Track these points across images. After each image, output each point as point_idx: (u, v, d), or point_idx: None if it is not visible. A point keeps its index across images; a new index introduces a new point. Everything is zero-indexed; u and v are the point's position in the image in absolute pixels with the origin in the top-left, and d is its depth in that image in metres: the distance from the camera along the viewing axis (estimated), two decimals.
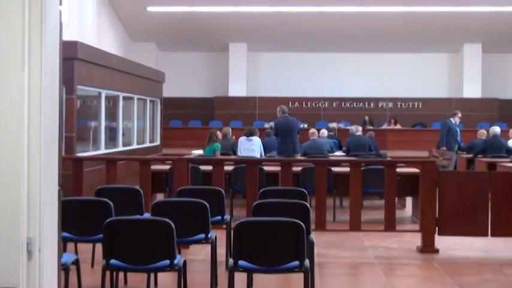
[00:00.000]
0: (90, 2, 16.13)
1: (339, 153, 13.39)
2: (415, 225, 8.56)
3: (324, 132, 14.21)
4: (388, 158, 11.41)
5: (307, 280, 4.51)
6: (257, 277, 5.43)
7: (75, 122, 10.03)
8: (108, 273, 4.78)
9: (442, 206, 7.41)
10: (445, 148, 13.60)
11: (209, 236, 5.62)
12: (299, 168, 9.41)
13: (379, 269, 6.71)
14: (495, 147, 12.68)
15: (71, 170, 8.02)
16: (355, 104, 21.45)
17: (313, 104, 21.40)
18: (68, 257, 4.76)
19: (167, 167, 9.41)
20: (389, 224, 7.71)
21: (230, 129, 12.68)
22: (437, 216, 7.44)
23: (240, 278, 4.81)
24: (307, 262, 4.53)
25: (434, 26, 19.59)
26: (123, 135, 13.01)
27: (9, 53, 2.67)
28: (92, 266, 6.47)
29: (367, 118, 20.32)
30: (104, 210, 5.48)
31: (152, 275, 5.65)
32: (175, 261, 4.59)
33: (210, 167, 8.44)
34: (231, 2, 18.18)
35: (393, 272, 6.77)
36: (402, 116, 20.79)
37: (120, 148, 12.62)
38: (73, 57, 9.81)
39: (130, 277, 5.85)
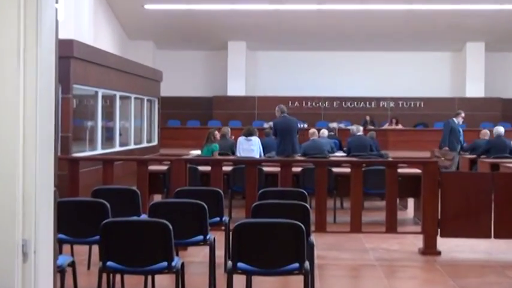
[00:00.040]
0: None
1: (339, 153, 13.40)
2: (417, 226, 8.56)
3: (324, 132, 14.21)
4: (390, 159, 11.41)
5: (307, 282, 4.52)
6: (256, 279, 5.43)
7: (71, 122, 10.03)
8: (104, 275, 4.78)
9: (444, 207, 7.42)
10: (447, 148, 13.61)
11: (207, 237, 5.62)
12: (299, 169, 9.41)
13: (380, 271, 6.71)
14: (499, 147, 12.68)
15: (67, 170, 8.02)
16: (355, 103, 21.45)
17: (313, 104, 21.40)
18: (64, 259, 4.76)
19: (165, 167, 9.42)
20: (391, 226, 7.71)
21: (229, 129, 12.68)
22: (439, 217, 7.44)
23: (239, 280, 4.81)
24: (307, 264, 4.53)
25: (436, 24, 19.60)
26: (120, 135, 13.01)
27: (4, 52, 2.67)
28: (88, 268, 6.47)
29: (368, 118, 20.32)
30: (101, 211, 5.48)
31: (149, 278, 5.65)
32: (173, 264, 4.59)
33: (208, 168, 8.44)
34: (230, 0, 18.18)
35: (394, 275, 6.77)
36: (404, 116, 20.80)
37: (117, 148, 12.62)
38: (69, 56, 9.81)
39: (127, 279, 5.84)
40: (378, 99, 21.45)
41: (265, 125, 17.05)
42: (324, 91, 21.43)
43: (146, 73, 14.88)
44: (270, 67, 22.17)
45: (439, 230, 7.44)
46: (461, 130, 13.91)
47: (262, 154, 11.47)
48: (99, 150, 11.49)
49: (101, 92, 11.55)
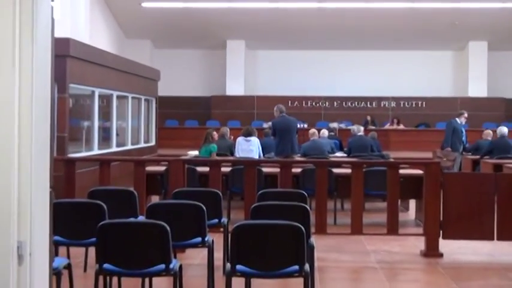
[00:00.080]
0: None
1: (340, 154, 13.40)
2: (419, 228, 8.56)
3: (325, 132, 14.22)
4: (391, 159, 11.41)
5: (307, 285, 4.52)
6: (255, 282, 5.42)
7: (67, 122, 10.02)
8: (101, 278, 4.78)
9: (447, 208, 7.42)
10: (449, 149, 13.61)
11: (206, 239, 5.61)
12: (299, 170, 9.41)
13: (382, 274, 6.71)
14: (502, 148, 12.68)
15: (63, 171, 8.01)
16: (356, 103, 21.46)
17: (314, 104, 21.40)
18: (60, 262, 4.75)
19: (162, 168, 9.41)
20: (392, 228, 7.71)
21: (228, 130, 12.67)
22: (441, 219, 7.44)
23: (238, 283, 4.81)
24: (307, 266, 4.53)
25: (439, 23, 19.61)
26: (117, 135, 13.00)
27: None
28: (85, 270, 6.46)
29: (369, 118, 20.32)
30: (97, 212, 5.48)
31: (147, 280, 5.64)
32: (171, 266, 4.59)
33: (206, 168, 8.44)
34: None
35: (396, 277, 6.77)
36: (405, 116, 20.80)
37: (114, 149, 12.61)
38: (65, 55, 9.81)
39: (124, 282, 5.83)
40: (379, 99, 21.45)
41: (265, 125, 17.05)
42: (324, 91, 21.43)
43: (144, 72, 14.88)
44: (270, 66, 22.17)
45: (441, 231, 7.44)
46: (463, 130, 13.91)
47: (262, 155, 11.47)
48: (95, 151, 11.49)
49: (97, 92, 11.54)
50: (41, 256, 2.83)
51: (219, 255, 6.26)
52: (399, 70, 21.73)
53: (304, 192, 6.32)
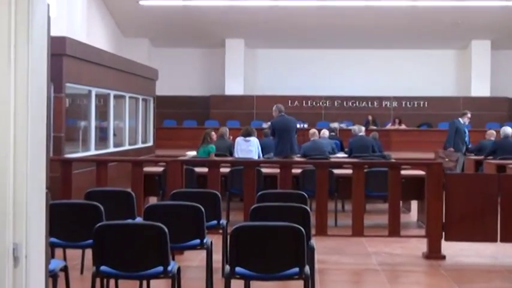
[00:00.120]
0: None
1: (340, 154, 13.41)
2: (421, 230, 8.56)
3: (325, 132, 14.22)
4: (393, 160, 11.42)
5: None
6: (255, 284, 5.43)
7: (64, 122, 10.03)
8: (98, 280, 4.78)
9: (449, 210, 7.42)
10: (452, 149, 13.61)
11: (204, 241, 5.61)
12: (299, 170, 9.41)
13: (383, 276, 6.71)
14: (505, 148, 12.67)
15: (60, 172, 8.01)
16: (357, 103, 21.46)
17: (314, 103, 21.41)
18: (56, 264, 4.75)
19: (160, 168, 9.41)
20: (394, 229, 7.71)
21: (227, 130, 12.67)
22: (444, 220, 7.44)
23: (237, 285, 4.81)
24: (307, 269, 4.53)
25: (441, 21, 19.61)
26: (114, 135, 13.01)
27: None
28: (82, 272, 6.47)
29: (370, 118, 20.33)
30: (94, 214, 5.48)
31: (145, 283, 5.65)
32: (169, 268, 4.59)
33: (205, 169, 8.44)
34: None
35: (398, 280, 6.77)
36: (407, 116, 20.81)
37: (111, 149, 12.62)
38: (62, 54, 9.82)
39: (121, 284, 5.83)
40: (380, 99, 21.46)
41: (264, 125, 17.06)
42: (325, 90, 21.43)
43: (141, 71, 14.88)
44: (269, 65, 22.17)
45: (443, 233, 7.44)
46: (466, 130, 13.92)
47: (261, 155, 11.47)
48: (92, 151, 11.49)
49: (94, 91, 11.55)
50: (37, 258, 2.82)
51: (217, 257, 6.26)
52: (401, 69, 21.74)
53: (304, 193, 6.32)
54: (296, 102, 21.12)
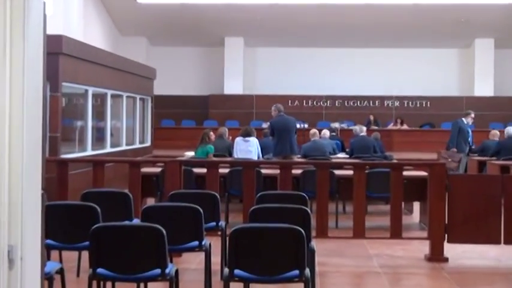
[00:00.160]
0: None
1: (341, 155, 13.41)
2: (423, 232, 8.56)
3: (326, 132, 14.23)
4: (394, 161, 11.43)
5: None
6: (254, 287, 5.43)
7: (60, 122, 10.03)
8: (94, 282, 4.78)
9: (452, 211, 7.42)
10: (455, 149, 13.62)
11: (203, 243, 5.62)
12: (299, 171, 9.42)
13: (385, 279, 6.71)
14: (509, 148, 12.67)
15: (56, 172, 8.01)
16: (359, 102, 21.47)
17: (314, 103, 21.42)
18: (52, 266, 4.75)
19: (158, 169, 9.42)
20: (396, 231, 7.71)
21: (227, 130, 12.68)
22: (446, 222, 7.44)
23: None
24: (307, 271, 4.53)
25: (444, 20, 19.62)
26: (112, 135, 13.01)
27: None
28: (78, 275, 6.46)
29: (371, 118, 20.35)
30: (91, 215, 5.48)
31: (142, 285, 5.65)
32: (167, 270, 4.59)
33: (204, 170, 8.44)
34: None
35: (399, 282, 6.78)
36: (409, 116, 20.83)
37: (108, 149, 12.62)
38: (58, 52, 9.82)
39: (118, 287, 5.84)
40: (382, 98, 21.47)
41: (264, 125, 17.06)
42: (326, 89, 21.44)
43: (139, 70, 14.89)
44: (269, 64, 22.18)
45: (446, 235, 7.44)
46: (470, 131, 13.93)
47: (261, 155, 11.48)
48: (89, 152, 11.49)
49: (91, 90, 11.54)
50: (33, 260, 2.82)
51: (216, 259, 6.26)
52: (403, 68, 21.75)
53: (304, 195, 6.32)
54: (296, 102, 21.14)
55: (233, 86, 21.64)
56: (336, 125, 17.54)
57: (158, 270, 4.58)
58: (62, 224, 5.52)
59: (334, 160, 11.72)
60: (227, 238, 4.98)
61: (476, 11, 19.03)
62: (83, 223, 5.28)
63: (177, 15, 19.62)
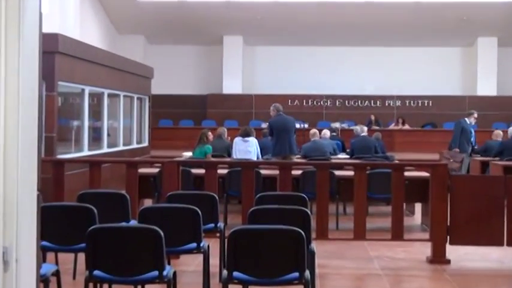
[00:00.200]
0: None
1: (342, 155, 13.41)
2: (425, 233, 8.57)
3: (326, 132, 14.22)
4: (396, 161, 11.43)
5: None
6: None
7: (56, 121, 10.03)
8: (91, 285, 4.78)
9: (454, 213, 7.42)
10: (457, 149, 13.62)
11: (201, 245, 5.62)
12: (299, 172, 9.42)
13: (386, 281, 6.71)
14: None
15: (52, 173, 8.01)
16: (359, 102, 21.48)
17: (315, 102, 21.42)
18: (48, 268, 4.75)
19: (156, 170, 9.42)
20: (397, 233, 7.72)
21: (225, 130, 12.69)
22: (448, 224, 7.45)
23: None
24: (307, 273, 4.54)
25: (446, 18, 19.63)
26: (108, 135, 13.01)
27: None
28: (74, 277, 6.46)
29: (373, 118, 20.35)
30: (87, 217, 5.48)
31: (139, 287, 5.65)
32: (165, 273, 4.59)
33: (202, 171, 8.44)
34: None
35: (400, 285, 6.78)
36: (411, 116, 20.83)
37: (105, 150, 12.62)
38: (54, 51, 9.81)
39: None
40: (383, 98, 21.47)
41: (263, 125, 17.07)
42: (326, 89, 21.44)
43: (136, 69, 14.88)
44: (269, 63, 22.18)
45: (448, 237, 7.44)
46: (472, 131, 13.94)
47: (260, 156, 11.48)
48: (85, 152, 11.49)
49: (87, 90, 11.54)
50: (28, 262, 2.82)
51: (215, 261, 6.27)
52: (404, 67, 21.75)
53: (304, 196, 6.32)
54: (296, 102, 21.14)
55: (232, 86, 21.65)
56: (336, 125, 17.54)
57: (156, 273, 4.58)
58: (58, 226, 5.51)
59: (334, 160, 11.72)
60: (226, 240, 4.99)
61: (479, 9, 19.05)
62: (79, 224, 5.28)
63: (175, 13, 19.63)
